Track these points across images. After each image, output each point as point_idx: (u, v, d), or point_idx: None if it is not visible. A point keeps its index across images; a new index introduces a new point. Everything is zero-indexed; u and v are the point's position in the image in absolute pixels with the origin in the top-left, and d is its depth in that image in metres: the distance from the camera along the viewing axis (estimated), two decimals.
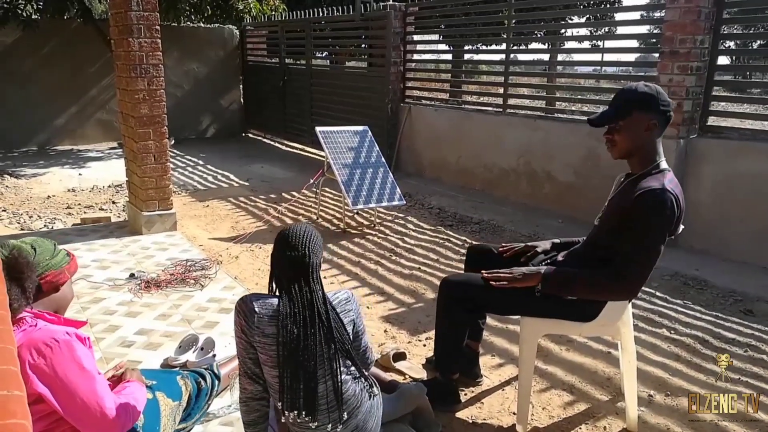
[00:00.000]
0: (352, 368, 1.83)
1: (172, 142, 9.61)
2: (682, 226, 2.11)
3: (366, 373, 1.91)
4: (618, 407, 2.49)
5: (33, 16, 8.06)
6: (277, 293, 1.81)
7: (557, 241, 2.55)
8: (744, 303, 3.50)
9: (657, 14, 5.60)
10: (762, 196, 4.00)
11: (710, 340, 3.06)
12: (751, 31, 6.38)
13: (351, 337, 1.84)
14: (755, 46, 18.29)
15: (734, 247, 4.17)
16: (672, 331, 3.16)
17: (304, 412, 1.71)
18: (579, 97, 7.66)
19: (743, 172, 4.08)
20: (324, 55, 11.11)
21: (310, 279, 1.77)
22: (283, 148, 9.54)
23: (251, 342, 1.75)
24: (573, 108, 7.30)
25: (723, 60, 5.04)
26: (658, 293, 3.67)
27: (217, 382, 2.30)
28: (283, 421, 1.78)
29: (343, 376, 1.77)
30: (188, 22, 9.76)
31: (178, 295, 3.42)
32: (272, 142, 10.04)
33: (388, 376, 2.57)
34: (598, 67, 7.17)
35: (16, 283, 1.58)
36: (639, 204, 2.00)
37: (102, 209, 5.55)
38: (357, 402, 1.82)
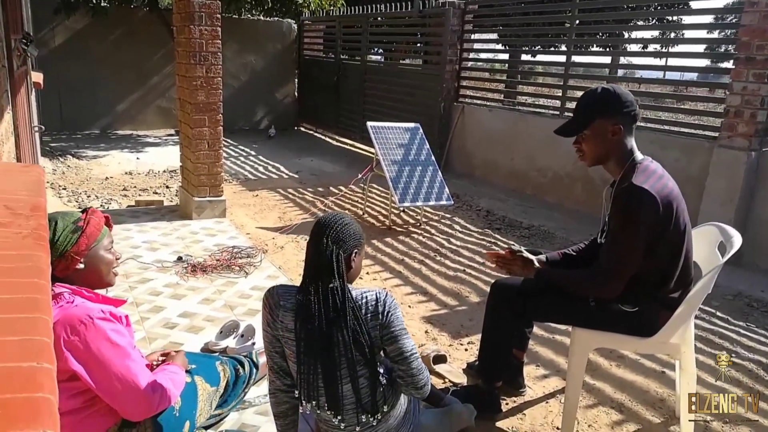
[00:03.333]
0: (381, 372, 1.74)
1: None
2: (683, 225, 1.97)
3: (396, 378, 1.74)
4: (671, 431, 2.34)
5: (102, 4, 8.34)
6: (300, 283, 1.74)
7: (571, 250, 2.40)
8: None
9: (729, 18, 5.27)
10: None
11: None
12: None
13: (379, 341, 1.67)
14: None
15: None
16: (733, 355, 2.95)
17: (326, 406, 1.66)
18: (639, 102, 7.34)
19: None
20: (378, 51, 11.09)
21: (334, 273, 1.63)
22: (334, 142, 9.57)
23: (276, 335, 1.70)
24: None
25: None
26: (718, 313, 3.45)
27: (255, 370, 2.29)
28: (301, 411, 1.72)
29: (374, 378, 1.68)
30: (248, 15, 9.91)
31: (223, 281, 3.45)
32: (323, 137, 10.09)
33: (437, 386, 2.48)
34: (661, 73, 6.87)
35: None
36: (616, 202, 1.96)
37: (156, 193, 5.69)
38: (389, 407, 1.75)
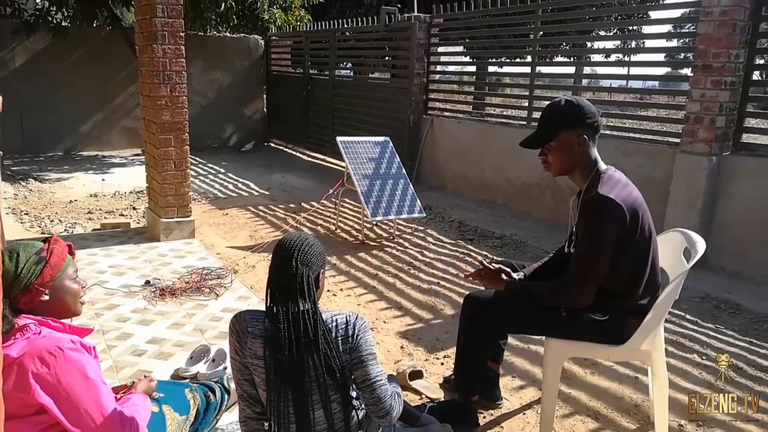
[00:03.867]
0: (354, 396, 1.72)
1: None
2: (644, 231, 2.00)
3: (367, 403, 1.69)
4: None
5: (63, 23, 8.18)
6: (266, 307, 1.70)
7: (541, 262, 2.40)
8: None
9: (687, 27, 5.45)
10: None
11: (744, 367, 2.90)
12: None
13: (348, 364, 1.64)
14: None
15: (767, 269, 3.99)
16: (703, 357, 3.00)
17: None
18: (603, 111, 7.48)
19: None
20: (347, 66, 11.14)
21: (297, 296, 1.60)
22: (305, 158, 9.53)
23: (245, 363, 1.65)
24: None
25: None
26: (688, 316, 3.51)
27: (227, 396, 2.23)
28: None
29: (347, 403, 1.65)
30: (214, 32, 9.85)
31: (193, 304, 3.37)
32: (294, 152, 10.05)
33: (414, 402, 2.46)
34: (624, 82, 7.04)
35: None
36: (583, 212, 1.98)
37: (122, 215, 5.57)
38: (365, 425, 1.72)
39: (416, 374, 2.75)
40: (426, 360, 2.99)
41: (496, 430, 2.41)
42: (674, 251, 2.21)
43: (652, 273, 2.05)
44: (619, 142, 5.05)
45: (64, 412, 1.49)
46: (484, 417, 2.48)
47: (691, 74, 4.24)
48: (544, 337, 2.23)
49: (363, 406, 1.71)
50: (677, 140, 4.54)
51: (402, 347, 3.13)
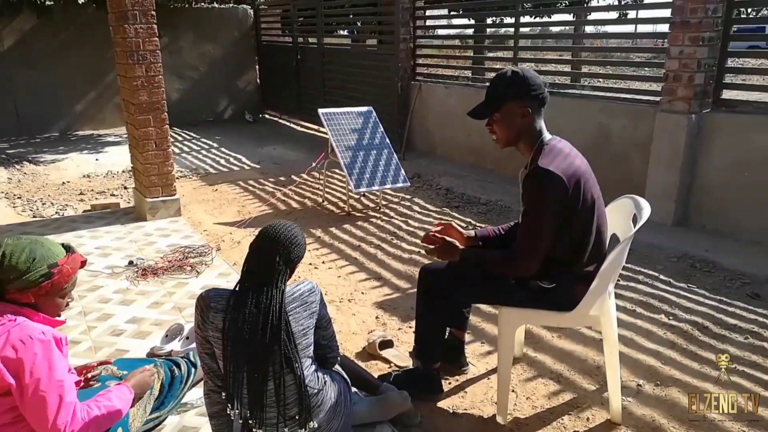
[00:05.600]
0: (311, 367, 1.81)
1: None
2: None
3: (329, 371, 1.90)
4: (604, 397, 2.42)
5: (47, 3, 8.12)
6: (235, 286, 1.78)
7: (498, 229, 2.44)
8: (752, 286, 3.36)
9: None
10: None
11: (710, 326, 2.94)
12: None
13: (312, 330, 1.81)
14: None
15: (747, 227, 3.99)
16: (671, 317, 3.05)
17: (249, 412, 1.71)
18: (587, 71, 7.30)
19: (758, 148, 3.87)
20: (345, 32, 10.97)
21: (272, 286, 1.72)
22: (298, 128, 9.51)
23: (206, 336, 1.75)
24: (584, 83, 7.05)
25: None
26: (662, 276, 3.55)
27: (193, 370, 2.32)
28: (232, 417, 1.77)
29: (300, 385, 1.75)
30: (202, 3, 9.73)
31: (174, 283, 3.46)
32: (288, 123, 10.02)
33: (374, 373, 2.55)
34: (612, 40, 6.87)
35: None
36: (525, 184, 2.01)
37: (113, 195, 5.64)
38: (317, 401, 1.80)
39: (386, 344, 2.83)
40: (399, 329, 3.06)
41: (460, 395, 2.49)
42: (625, 217, 2.23)
43: (598, 240, 2.08)
44: (603, 103, 5.00)
45: (22, 398, 1.57)
46: (449, 383, 2.56)
47: (669, 31, 4.16)
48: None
49: (314, 383, 1.81)
50: (658, 99, 4.49)
51: (377, 317, 3.20)
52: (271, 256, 1.73)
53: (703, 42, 3.97)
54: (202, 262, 3.73)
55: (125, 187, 5.91)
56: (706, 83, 4.10)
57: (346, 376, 2.07)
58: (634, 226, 2.10)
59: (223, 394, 1.78)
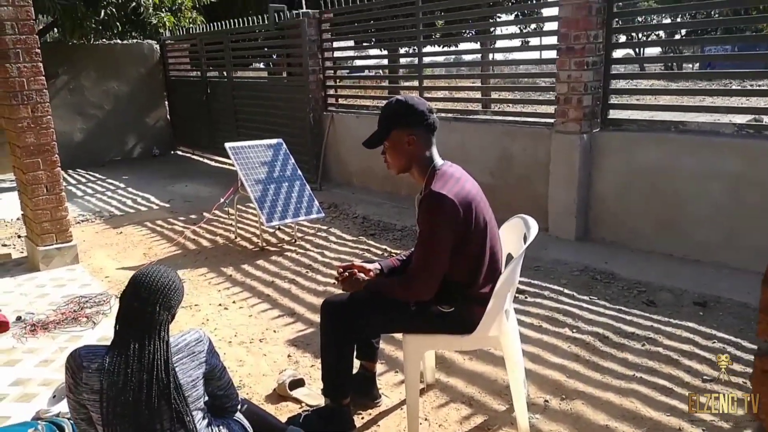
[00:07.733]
0: (203, 421, 1.72)
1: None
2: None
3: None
4: (513, 417, 2.44)
5: None
6: (112, 342, 1.67)
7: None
8: (647, 294, 3.54)
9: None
10: (658, 183, 4.08)
11: (610, 336, 3.06)
12: (643, 23, 6.51)
13: (201, 381, 1.72)
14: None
15: (640, 237, 4.23)
16: (574, 330, 3.15)
17: None
18: (494, 97, 7.67)
19: (642, 162, 4.15)
20: (262, 65, 10.89)
21: (154, 336, 1.62)
22: (213, 164, 9.28)
23: (80, 401, 1.61)
24: (487, 108, 7.35)
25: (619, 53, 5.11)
26: (566, 290, 3.68)
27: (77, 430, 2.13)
28: None
29: (194, 427, 1.66)
30: (102, 40, 9.37)
31: (66, 337, 3.21)
32: (201, 159, 9.76)
33: (285, 415, 2.46)
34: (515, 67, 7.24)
35: None
36: (420, 208, 2.05)
37: (5, 245, 5.22)
38: None
39: (297, 383, 2.74)
40: (312, 366, 2.98)
41: (373, 429, 2.44)
42: (518, 236, 2.29)
43: (492, 260, 2.12)
44: (504, 127, 5.20)
45: None
46: (362, 417, 2.51)
47: (557, 57, 4.42)
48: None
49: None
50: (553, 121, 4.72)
51: (289, 356, 3.11)
52: (150, 305, 1.63)
53: (588, 66, 4.24)
54: (99, 311, 3.50)
55: (19, 236, 5.49)
56: (593, 104, 4.37)
57: (246, 424, 1.97)
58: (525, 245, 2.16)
59: None
